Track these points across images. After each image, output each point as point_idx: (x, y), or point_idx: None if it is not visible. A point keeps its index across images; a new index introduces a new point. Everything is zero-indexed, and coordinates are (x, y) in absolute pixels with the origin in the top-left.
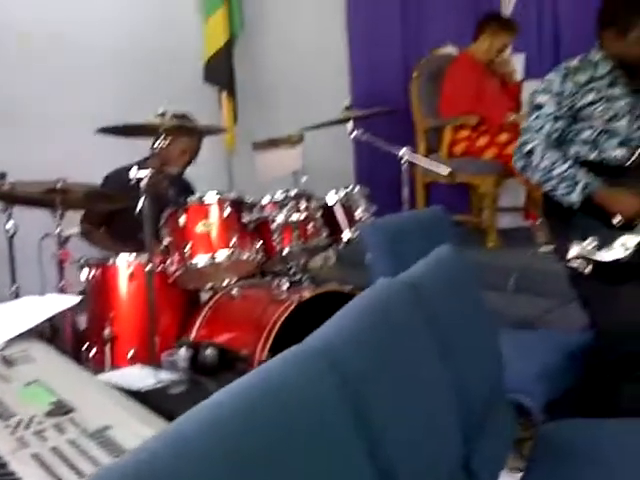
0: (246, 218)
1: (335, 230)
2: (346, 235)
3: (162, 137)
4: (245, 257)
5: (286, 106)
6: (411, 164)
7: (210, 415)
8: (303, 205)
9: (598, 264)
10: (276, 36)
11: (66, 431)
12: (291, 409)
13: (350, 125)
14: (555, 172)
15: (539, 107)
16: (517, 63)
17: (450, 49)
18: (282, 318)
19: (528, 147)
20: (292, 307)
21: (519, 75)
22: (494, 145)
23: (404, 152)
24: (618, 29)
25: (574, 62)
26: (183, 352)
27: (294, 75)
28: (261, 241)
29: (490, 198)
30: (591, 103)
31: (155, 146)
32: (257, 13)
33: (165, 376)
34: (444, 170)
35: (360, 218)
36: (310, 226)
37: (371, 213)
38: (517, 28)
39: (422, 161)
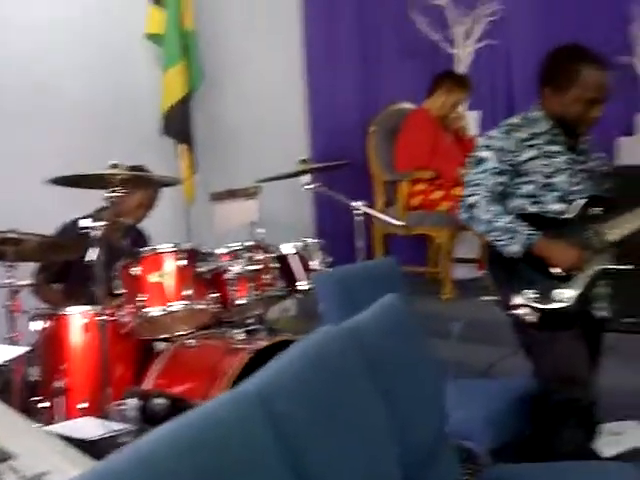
0: (201, 268)
1: (292, 281)
2: (302, 286)
3: (117, 189)
4: (200, 307)
5: (245, 158)
6: (369, 216)
7: (142, 453)
8: (259, 256)
9: (540, 313)
10: (236, 89)
11: (4, 477)
12: (225, 451)
13: (306, 178)
14: (497, 224)
15: (482, 161)
16: (472, 120)
17: (406, 104)
18: (237, 368)
19: (472, 200)
20: (247, 357)
21: (472, 130)
22: (449, 198)
23: (358, 204)
24: (557, 88)
25: (516, 119)
26: (132, 402)
27: (253, 127)
28: (217, 292)
29: (445, 249)
30: (531, 159)
31: (110, 197)
32: (216, 67)
33: (114, 426)
34: (397, 222)
35: (316, 269)
36: (266, 277)
37: (327, 264)
38: (471, 85)
39: (376, 213)
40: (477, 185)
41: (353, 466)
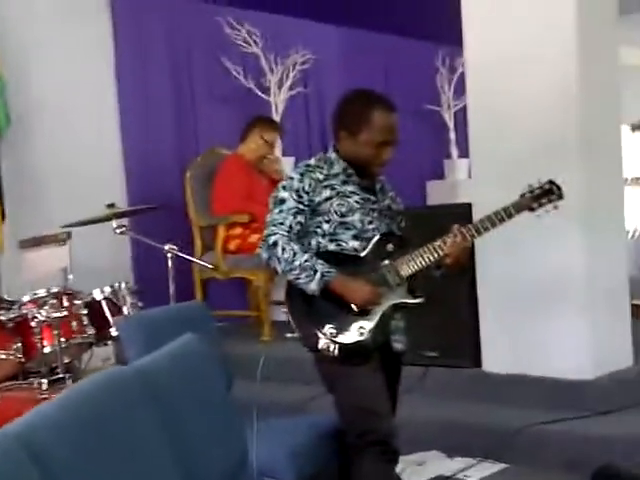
0: (4, 317)
1: (103, 327)
2: (114, 332)
3: None
4: (2, 357)
5: (57, 204)
6: (189, 261)
7: None
8: (66, 302)
9: (339, 348)
10: (45, 135)
11: None
12: None
13: (116, 222)
14: (296, 263)
15: (282, 202)
16: (287, 166)
17: (222, 150)
18: None
19: (272, 239)
20: None
21: (286, 174)
22: None
23: (168, 248)
24: (349, 131)
25: (313, 161)
26: None
27: (65, 174)
28: (21, 341)
29: (263, 292)
30: (327, 199)
31: None
32: (25, 112)
33: None
34: (207, 265)
35: (128, 314)
36: (73, 324)
37: (139, 308)
38: (282, 128)
39: (186, 256)
40: (277, 225)
41: None
